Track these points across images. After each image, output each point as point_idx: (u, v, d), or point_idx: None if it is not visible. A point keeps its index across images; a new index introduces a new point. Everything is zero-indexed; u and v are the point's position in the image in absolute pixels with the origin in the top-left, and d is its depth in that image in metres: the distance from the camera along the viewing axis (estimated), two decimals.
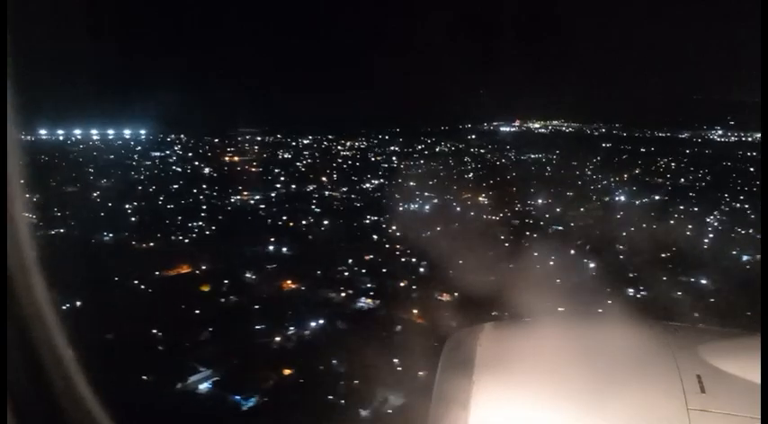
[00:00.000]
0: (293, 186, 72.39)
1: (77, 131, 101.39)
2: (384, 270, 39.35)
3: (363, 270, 39.65)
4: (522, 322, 3.57)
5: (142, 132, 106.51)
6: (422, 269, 39.29)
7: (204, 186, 71.27)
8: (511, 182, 71.46)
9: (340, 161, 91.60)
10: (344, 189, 70.33)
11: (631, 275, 36.55)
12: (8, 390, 2.04)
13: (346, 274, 39.24)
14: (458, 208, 58.38)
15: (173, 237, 48.32)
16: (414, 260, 41.12)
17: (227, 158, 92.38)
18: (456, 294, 34.14)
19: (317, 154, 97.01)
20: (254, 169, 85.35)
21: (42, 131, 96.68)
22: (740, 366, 2.68)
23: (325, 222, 53.96)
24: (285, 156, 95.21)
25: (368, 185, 72.53)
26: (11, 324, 2.13)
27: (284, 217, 56.50)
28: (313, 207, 60.33)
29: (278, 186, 72.82)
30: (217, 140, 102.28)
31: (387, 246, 45.81)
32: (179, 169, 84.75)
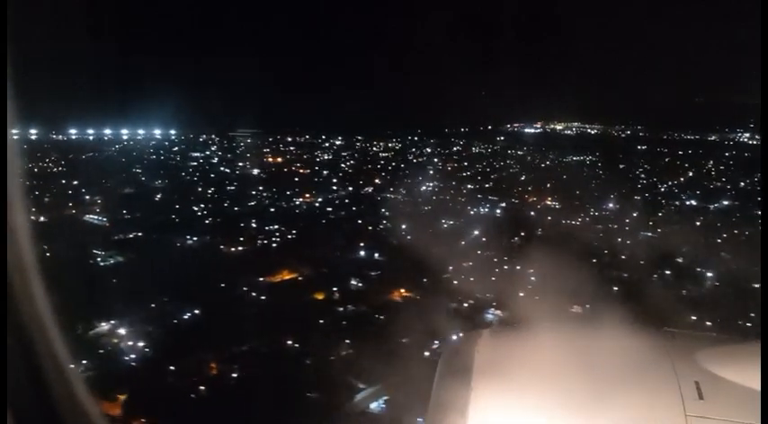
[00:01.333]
0: (350, 188, 70.96)
1: (108, 131, 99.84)
2: (492, 278, 37.99)
3: (471, 278, 38.27)
4: (519, 329, 3.58)
5: (172, 132, 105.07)
6: (532, 278, 37.93)
7: (261, 188, 70.03)
8: (570, 185, 70.06)
9: (382, 162, 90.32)
10: (403, 191, 68.97)
11: (756, 285, 35.26)
12: (8, 395, 2.02)
13: (455, 282, 37.87)
14: (532, 213, 57.07)
15: (258, 242, 46.95)
16: (518, 267, 39.81)
17: (269, 159, 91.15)
18: (587, 305, 32.79)
19: (355, 155, 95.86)
20: (301, 170, 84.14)
21: (72, 130, 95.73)
22: (738, 372, 2.64)
23: (403, 226, 52.60)
24: (325, 157, 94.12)
25: (424, 188, 71.16)
26: (10, 329, 2.10)
27: (358, 221, 55.14)
28: (383, 210, 58.86)
29: (334, 188, 71.42)
30: (249, 140, 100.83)
31: (478, 252, 44.53)
32: (227, 170, 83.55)
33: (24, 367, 2.18)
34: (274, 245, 46.05)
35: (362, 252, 44.24)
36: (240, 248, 45.47)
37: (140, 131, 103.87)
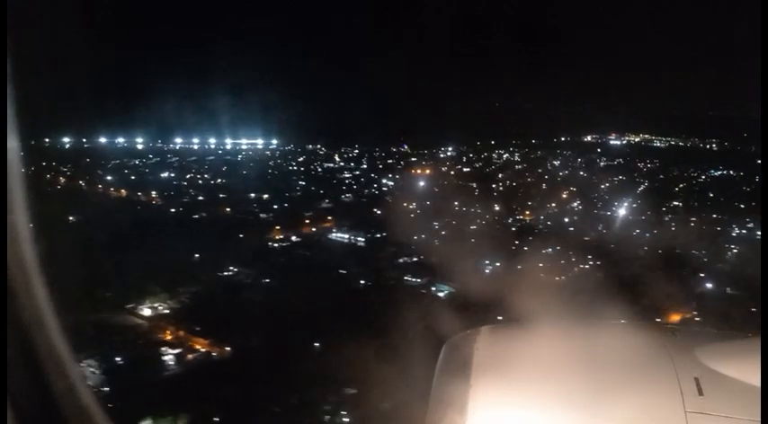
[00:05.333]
0: (553, 203, 65.66)
1: (212, 140, 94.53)
2: None
3: None
4: (519, 326, 3.46)
5: (273, 142, 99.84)
6: None
7: (456, 202, 65.08)
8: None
9: (527, 174, 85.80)
10: (615, 209, 64.15)
11: None
12: (8, 390, 2.00)
13: None
14: None
15: (573, 269, 41.75)
16: None
17: (417, 171, 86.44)
18: None
19: (492, 166, 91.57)
20: (468, 183, 79.27)
21: (178, 139, 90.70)
22: (738, 368, 2.56)
23: (692, 250, 47.46)
24: (465, 169, 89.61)
25: (629, 203, 66.01)
26: (10, 326, 2.05)
27: (622, 241, 49.88)
28: (638, 231, 53.68)
29: (531, 203, 66.21)
30: (357, 150, 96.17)
31: None
32: (390, 182, 79.01)
33: (25, 364, 2.09)
34: (598, 274, 40.76)
35: (709, 284, 39.05)
36: (561, 277, 40.18)
37: (243, 140, 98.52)
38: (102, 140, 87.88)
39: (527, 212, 59.84)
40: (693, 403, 2.39)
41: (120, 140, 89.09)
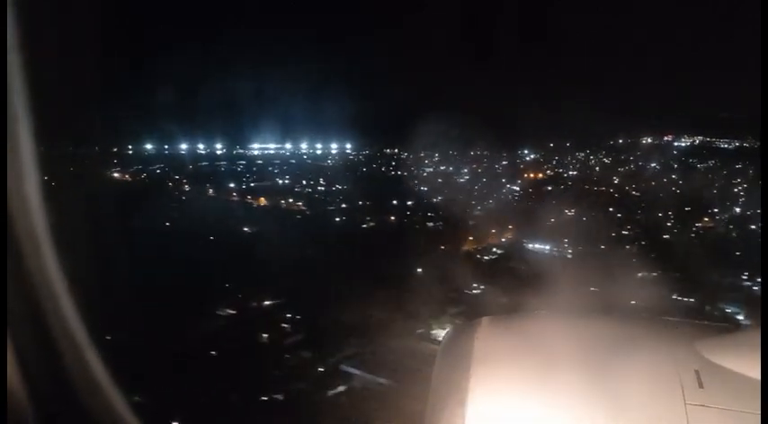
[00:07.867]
0: (713, 209, 60.99)
1: (288, 144, 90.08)
2: None
3: None
4: (519, 317, 3.43)
5: (348, 146, 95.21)
6: None
7: (611, 209, 61.02)
8: None
9: (638, 177, 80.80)
10: None
11: None
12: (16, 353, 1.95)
13: None
14: None
15: None
16: None
17: (530, 175, 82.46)
18: None
19: (593, 168, 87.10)
20: (596, 187, 74.94)
21: (255, 144, 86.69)
22: (739, 361, 2.50)
23: None
24: (571, 173, 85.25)
25: None
26: (18, 295, 2.00)
27: None
28: None
29: (689, 209, 61.33)
30: (436, 155, 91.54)
31: None
32: (513, 187, 74.48)
33: (32, 332, 2.04)
34: None
35: None
36: None
37: (318, 144, 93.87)
38: (183, 146, 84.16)
39: (704, 218, 55.18)
40: (694, 396, 2.32)
41: (200, 146, 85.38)
